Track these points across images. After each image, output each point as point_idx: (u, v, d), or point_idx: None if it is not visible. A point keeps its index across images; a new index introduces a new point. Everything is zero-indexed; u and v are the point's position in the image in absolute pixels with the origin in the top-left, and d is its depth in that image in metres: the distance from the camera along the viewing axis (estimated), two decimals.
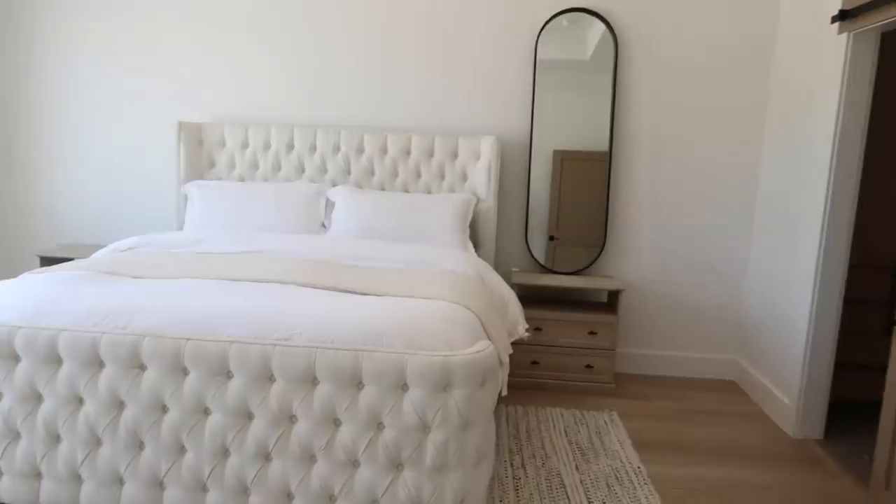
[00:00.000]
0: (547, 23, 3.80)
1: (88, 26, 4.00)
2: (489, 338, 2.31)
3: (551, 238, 3.95)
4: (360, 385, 1.97)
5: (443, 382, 1.93)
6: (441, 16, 3.87)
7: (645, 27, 3.81)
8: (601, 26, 3.79)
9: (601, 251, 3.90)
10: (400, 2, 3.88)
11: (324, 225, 3.68)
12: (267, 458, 1.99)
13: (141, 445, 2.02)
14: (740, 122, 3.84)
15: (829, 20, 3.12)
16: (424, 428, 1.95)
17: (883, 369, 2.45)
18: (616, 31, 3.79)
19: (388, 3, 3.89)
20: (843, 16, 3.00)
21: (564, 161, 3.91)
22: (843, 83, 3.03)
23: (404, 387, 1.95)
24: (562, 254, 3.95)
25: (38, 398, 2.05)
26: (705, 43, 3.80)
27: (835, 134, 3.05)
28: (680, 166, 3.89)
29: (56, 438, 2.05)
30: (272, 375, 1.98)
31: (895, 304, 2.39)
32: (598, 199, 3.89)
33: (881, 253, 3.26)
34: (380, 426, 1.96)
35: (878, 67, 3.06)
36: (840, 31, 3.05)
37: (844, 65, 3.02)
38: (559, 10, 3.80)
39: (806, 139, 3.32)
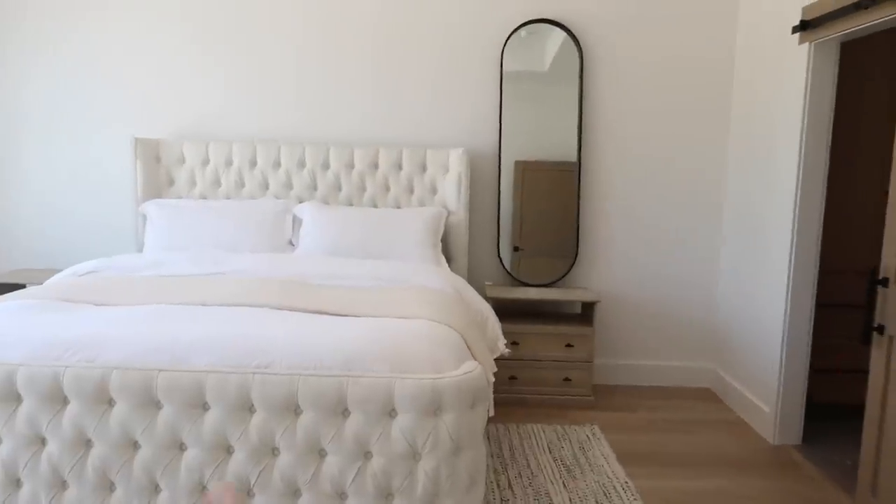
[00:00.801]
0: (511, 34, 3.78)
1: (40, 40, 3.81)
2: (474, 357, 2.25)
3: (515, 249, 3.92)
4: (345, 412, 1.88)
5: (432, 406, 1.86)
6: (406, 27, 3.82)
7: (609, 37, 3.82)
8: (565, 37, 3.79)
9: (574, 262, 3.88)
10: (365, 15, 3.81)
11: (291, 243, 3.57)
12: (249, 493, 1.88)
13: (111, 486, 1.89)
14: (706, 130, 3.88)
15: (790, 30, 3.17)
16: (415, 455, 1.86)
17: (858, 373, 2.47)
18: (581, 42, 3.80)
19: (353, 18, 3.81)
20: (804, 26, 3.05)
21: (526, 171, 3.89)
22: (806, 91, 3.08)
23: (392, 412, 1.87)
24: (529, 265, 3.92)
25: None
26: (668, 53, 3.83)
27: (800, 141, 3.09)
28: (648, 175, 3.91)
29: (16, 483, 1.89)
30: (252, 406, 1.88)
31: (873, 310, 2.41)
32: (565, 210, 3.88)
33: (859, 258, 3.31)
34: (368, 455, 1.88)
35: (839, 75, 3.11)
36: (801, 41, 3.10)
37: (807, 73, 3.07)
38: (523, 21, 3.79)
39: (771, 146, 3.36)
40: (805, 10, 3.05)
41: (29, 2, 3.78)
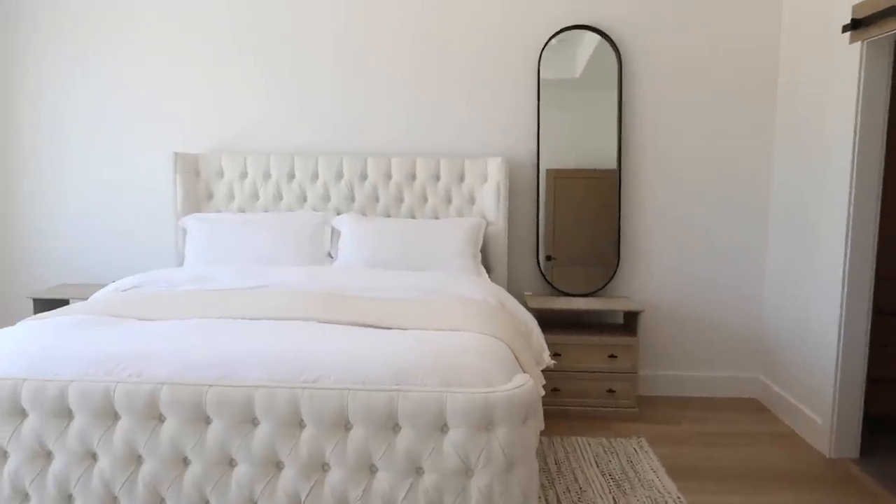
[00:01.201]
0: (548, 41, 3.74)
1: (80, 58, 3.88)
2: (523, 369, 2.20)
3: (548, 258, 3.86)
4: (396, 427, 1.84)
5: (484, 421, 1.81)
6: (443, 37, 3.80)
7: (648, 41, 3.76)
8: (598, 42, 3.74)
9: (615, 271, 3.81)
10: (402, 25, 3.81)
11: (330, 255, 3.56)
12: None
13: (162, 502, 1.87)
14: (749, 133, 3.79)
15: (839, 29, 3.08)
16: (467, 471, 1.82)
17: None
18: (619, 47, 3.74)
19: (390, 29, 3.81)
20: (854, 25, 2.96)
21: (558, 179, 3.83)
22: (858, 91, 2.98)
23: (444, 427, 1.83)
24: (563, 274, 3.86)
25: (48, 456, 1.89)
26: (709, 54, 3.76)
27: (853, 142, 3.00)
28: (690, 180, 3.83)
29: (69, 499, 1.89)
30: (301, 421, 1.85)
31: None
32: (601, 218, 3.81)
33: None
34: (419, 471, 1.83)
35: (894, 74, 3.02)
36: (852, 41, 3.01)
37: (859, 73, 2.98)
38: (560, 28, 3.75)
39: (821, 148, 3.26)
40: (855, 8, 2.96)
41: (69, 21, 3.85)
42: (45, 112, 3.92)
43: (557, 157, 3.82)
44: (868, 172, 2.99)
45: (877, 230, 3.01)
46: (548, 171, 3.83)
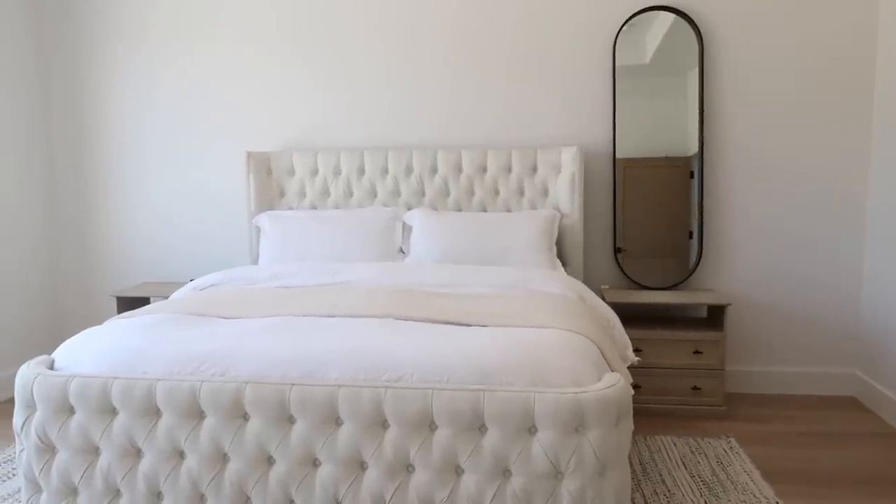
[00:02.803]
0: (624, 24, 3.60)
1: (158, 66, 3.97)
2: (611, 367, 2.10)
3: (618, 250, 3.72)
4: (482, 428, 1.77)
5: (575, 423, 1.73)
6: (516, 26, 3.71)
7: (731, 21, 3.56)
8: (671, 25, 3.57)
9: (698, 263, 3.64)
10: (471, 15, 3.73)
11: (402, 250, 3.52)
12: None
13: (247, 501, 1.87)
14: (844, 121, 3.53)
15: None
16: (557, 474, 1.74)
17: None
18: (700, 27, 3.56)
19: (462, 18, 3.74)
20: None
21: (627, 169, 3.68)
22: None
23: (532, 429, 1.75)
24: (634, 266, 3.71)
25: (138, 453, 1.92)
26: (799, 39, 3.53)
27: None
28: (779, 173, 3.61)
29: (158, 496, 1.91)
30: (385, 421, 1.81)
31: None
32: (676, 207, 3.65)
33: None
34: (507, 473, 1.77)
35: None
36: None
37: None
38: (637, 10, 3.60)
39: None
40: None
41: (150, 30, 3.95)
42: (129, 117, 4.04)
43: (630, 145, 3.67)
44: None
45: None
46: (618, 160, 3.69)
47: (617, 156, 3.67)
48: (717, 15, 3.56)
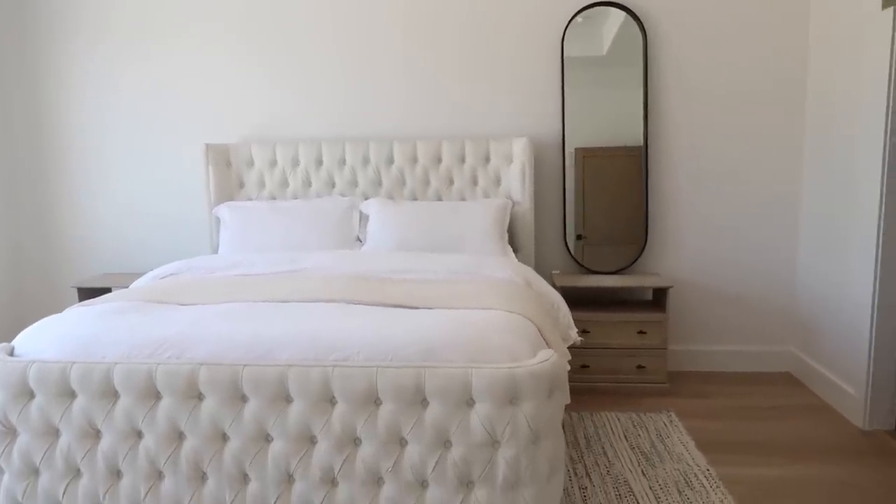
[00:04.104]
0: (572, 19, 3.73)
1: (121, 61, 3.99)
2: (548, 345, 2.24)
3: (578, 237, 3.87)
4: (424, 403, 1.90)
5: (510, 395, 1.86)
6: (466, 19, 3.82)
7: (673, 16, 3.72)
8: (624, 19, 3.71)
9: (643, 248, 3.81)
10: (423, 10, 3.83)
11: (359, 239, 3.63)
12: (333, 482, 1.93)
13: (203, 477, 1.97)
14: (779, 107, 3.73)
15: None
16: (494, 443, 1.87)
17: None
18: (644, 23, 3.71)
19: (411, 12, 3.84)
20: None
21: (587, 158, 3.83)
22: (892, 60, 2.92)
23: (470, 402, 1.88)
24: (594, 253, 3.87)
25: (97, 434, 2.00)
26: (737, 27, 3.70)
27: (887, 115, 2.94)
28: (718, 155, 3.79)
29: (117, 474, 2.00)
30: (333, 398, 1.92)
31: None
32: (630, 195, 3.80)
33: None
34: (447, 444, 1.89)
35: None
36: (884, 6, 2.95)
37: (892, 41, 2.91)
38: (583, 5, 3.73)
39: (853, 120, 3.21)
40: None
41: (109, 25, 3.96)
42: (91, 110, 4.05)
43: (585, 135, 3.81)
44: None
45: None
46: (576, 149, 3.83)
47: (576, 145, 3.81)
48: (659, 11, 3.71)
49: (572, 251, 3.87)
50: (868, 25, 3.07)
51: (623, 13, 3.71)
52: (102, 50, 4.00)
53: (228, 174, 3.91)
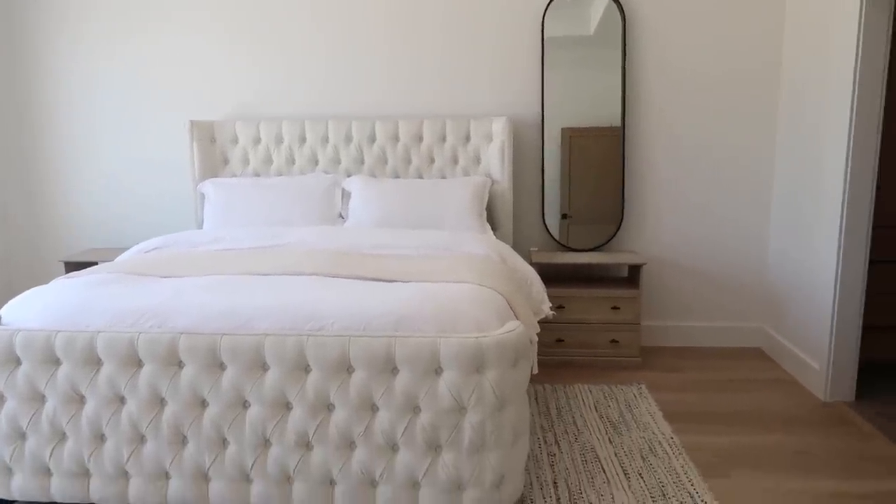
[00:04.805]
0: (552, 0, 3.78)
1: (108, 38, 4.01)
2: (517, 318, 2.33)
3: (564, 216, 3.95)
4: (394, 370, 1.99)
5: (476, 364, 1.96)
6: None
7: (652, 1, 3.78)
8: (610, 1, 3.76)
9: (619, 226, 3.90)
10: None
11: (341, 215, 3.70)
12: (307, 446, 2.03)
13: (184, 440, 2.06)
14: (754, 88, 3.80)
15: None
16: (460, 409, 1.97)
17: None
18: (623, 5, 3.76)
19: None
20: None
21: (573, 138, 3.89)
22: (858, 45, 2.99)
23: (438, 370, 1.98)
24: (577, 231, 3.95)
25: (81, 400, 2.09)
26: (714, 12, 3.76)
27: (852, 97, 3.02)
28: (695, 136, 3.87)
29: (101, 438, 2.09)
30: (308, 366, 2.01)
31: None
32: (611, 175, 3.88)
33: None
34: (416, 410, 1.99)
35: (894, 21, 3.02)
36: None
37: (859, 26, 2.98)
38: None
39: (823, 99, 3.29)
40: None
41: (95, 4, 3.99)
42: (78, 87, 4.08)
43: (569, 115, 3.87)
44: (867, 125, 3.02)
45: (875, 180, 3.05)
46: (563, 129, 3.89)
47: (562, 125, 3.86)
48: None
49: (556, 229, 3.95)
50: (838, 13, 3.14)
51: None
52: (90, 28, 4.02)
53: (213, 151, 3.96)
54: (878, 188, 3.21)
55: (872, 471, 2.55)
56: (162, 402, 2.06)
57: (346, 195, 3.72)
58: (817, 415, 3.04)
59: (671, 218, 3.94)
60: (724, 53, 3.78)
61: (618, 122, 3.84)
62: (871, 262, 3.13)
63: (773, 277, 3.84)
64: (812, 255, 3.37)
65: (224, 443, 2.06)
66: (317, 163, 3.90)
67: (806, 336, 3.42)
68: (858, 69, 2.99)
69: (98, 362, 2.07)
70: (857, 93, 3.00)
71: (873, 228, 3.11)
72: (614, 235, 3.90)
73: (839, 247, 3.11)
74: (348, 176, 3.84)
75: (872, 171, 3.05)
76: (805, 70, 3.49)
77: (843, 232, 3.09)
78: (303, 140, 3.90)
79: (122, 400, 2.08)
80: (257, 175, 3.94)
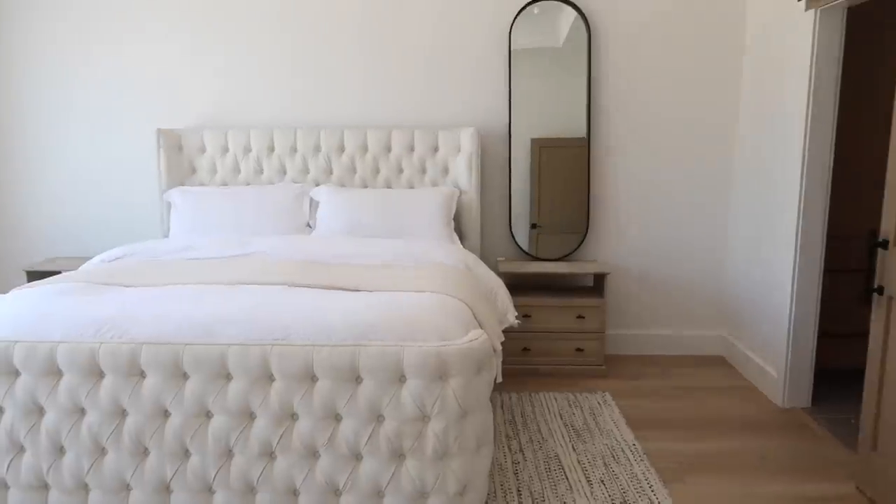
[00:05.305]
0: (520, 12, 3.84)
1: (77, 48, 3.97)
2: (481, 327, 2.36)
3: (533, 226, 4.00)
4: (358, 379, 2.00)
5: (439, 372, 1.98)
6: (418, 12, 3.89)
7: (616, 13, 3.86)
8: (573, 13, 3.83)
9: (584, 236, 3.96)
10: (377, 2, 3.89)
11: (309, 225, 3.70)
12: (271, 456, 2.03)
13: (145, 452, 2.05)
14: (716, 103, 3.91)
15: None
16: (424, 418, 1.99)
17: (865, 336, 2.53)
18: (588, 17, 3.84)
19: (364, 4, 3.90)
20: None
21: (543, 149, 3.95)
22: (812, 58, 3.10)
23: (402, 378, 1.99)
24: (545, 241, 4.01)
25: (41, 411, 2.06)
26: (676, 25, 3.86)
27: (807, 109, 3.12)
28: (657, 149, 3.96)
29: (60, 450, 2.06)
30: (272, 375, 2.02)
31: (874, 271, 2.46)
32: (579, 186, 3.95)
33: (871, 223, 3.35)
34: (380, 418, 2.00)
35: (847, 42, 3.13)
36: (808, 8, 3.12)
37: (813, 40, 3.09)
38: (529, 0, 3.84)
39: (780, 116, 3.40)
40: None
41: (64, 12, 3.93)
42: (42, 93, 4.02)
43: (538, 126, 3.92)
44: (821, 140, 3.12)
45: (829, 193, 3.16)
46: (532, 140, 3.95)
47: (527, 136, 3.92)
48: (601, 5, 3.84)
49: (525, 239, 3.99)
50: (794, 22, 3.25)
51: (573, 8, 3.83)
52: (56, 34, 3.97)
53: (180, 159, 3.93)
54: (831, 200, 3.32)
55: (827, 474, 2.63)
56: (123, 414, 2.05)
57: (314, 204, 3.73)
58: (775, 421, 3.12)
59: (635, 228, 4.02)
60: (685, 69, 3.88)
61: (583, 133, 3.91)
62: (825, 272, 3.23)
63: (733, 287, 3.94)
64: (769, 265, 3.47)
65: (186, 454, 2.05)
66: (285, 172, 3.90)
67: (764, 344, 3.51)
68: (812, 91, 3.09)
69: (58, 373, 2.05)
70: (811, 111, 3.10)
71: (827, 239, 3.21)
72: (580, 245, 3.97)
73: (795, 257, 3.20)
74: (317, 185, 3.85)
75: (826, 184, 3.15)
76: (763, 84, 3.60)
77: (798, 242, 3.18)
78: (271, 149, 3.90)
79: (82, 411, 2.05)
80: (225, 184, 3.93)
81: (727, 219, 3.99)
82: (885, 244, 2.41)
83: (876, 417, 2.44)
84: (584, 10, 3.83)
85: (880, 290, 2.43)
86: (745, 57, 3.85)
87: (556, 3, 3.84)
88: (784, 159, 3.32)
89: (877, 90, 3.54)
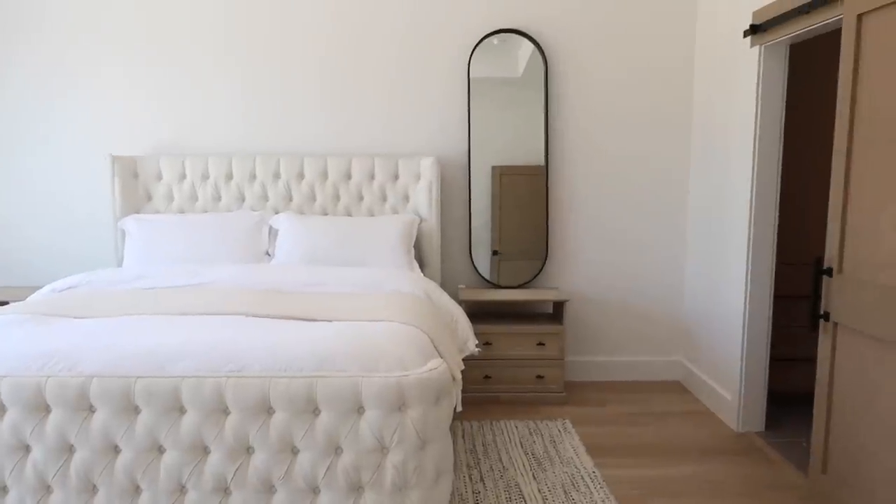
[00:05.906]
0: (479, 43, 3.91)
1: (12, 59, 3.89)
2: (441, 356, 2.35)
3: (495, 253, 4.04)
4: (315, 411, 1.98)
5: (398, 403, 1.97)
6: (379, 42, 3.94)
7: (572, 46, 3.96)
8: (531, 45, 3.92)
9: (544, 264, 4.01)
10: (334, 29, 3.92)
11: (268, 253, 3.66)
12: (226, 491, 1.98)
13: (94, 489, 1.98)
14: (669, 133, 4.02)
15: (742, 34, 3.32)
16: (382, 449, 1.97)
17: (815, 361, 2.60)
18: (544, 50, 3.93)
19: (321, 30, 3.92)
20: (753, 30, 3.20)
21: (503, 176, 4.01)
22: (758, 92, 3.22)
23: (360, 409, 1.98)
24: (506, 268, 4.04)
25: None
26: (630, 58, 3.97)
27: (754, 140, 3.24)
28: (614, 177, 4.04)
29: (3, 489, 1.98)
30: (226, 408, 1.98)
31: (820, 298, 2.54)
32: (538, 213, 4.00)
33: (809, 249, 3.46)
34: (338, 450, 1.98)
35: (790, 76, 3.26)
36: (752, 45, 3.25)
37: (758, 75, 3.22)
38: (489, 31, 3.92)
39: (728, 146, 3.51)
40: (755, 14, 3.20)
41: (16, 32, 3.86)
42: None
43: (497, 154, 3.98)
44: (767, 170, 3.23)
45: (776, 221, 3.26)
46: (493, 167, 3.99)
47: (488, 164, 3.97)
48: (558, 38, 3.94)
49: (487, 266, 4.02)
50: (740, 59, 3.38)
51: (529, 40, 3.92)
52: (7, 57, 3.89)
53: (135, 186, 3.86)
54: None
55: (780, 498, 2.68)
56: (71, 450, 1.98)
57: (273, 232, 3.70)
58: (730, 445, 3.17)
59: (593, 254, 4.09)
60: (638, 103, 3.99)
61: (541, 161, 3.98)
62: (776, 298, 3.32)
63: (690, 313, 4.02)
64: (722, 291, 3.55)
65: (137, 490, 1.98)
66: (244, 199, 3.86)
67: (719, 369, 3.58)
68: (758, 123, 3.21)
69: (2, 409, 1.97)
70: (757, 142, 3.22)
71: (778, 266, 3.31)
72: (540, 271, 4.01)
73: (746, 284, 3.29)
74: (276, 213, 3.82)
75: (774, 215, 3.26)
76: (715, 114, 3.72)
77: (749, 270, 3.27)
78: (229, 177, 3.86)
79: (26, 448, 1.98)
80: (182, 212, 3.87)
81: (684, 247, 4.09)
82: (829, 272, 2.50)
83: (825, 441, 2.50)
84: (541, 44, 3.92)
85: (826, 317, 2.51)
86: (694, 92, 3.98)
87: (514, 35, 3.93)
88: (734, 190, 3.43)
89: (819, 123, 3.69)
